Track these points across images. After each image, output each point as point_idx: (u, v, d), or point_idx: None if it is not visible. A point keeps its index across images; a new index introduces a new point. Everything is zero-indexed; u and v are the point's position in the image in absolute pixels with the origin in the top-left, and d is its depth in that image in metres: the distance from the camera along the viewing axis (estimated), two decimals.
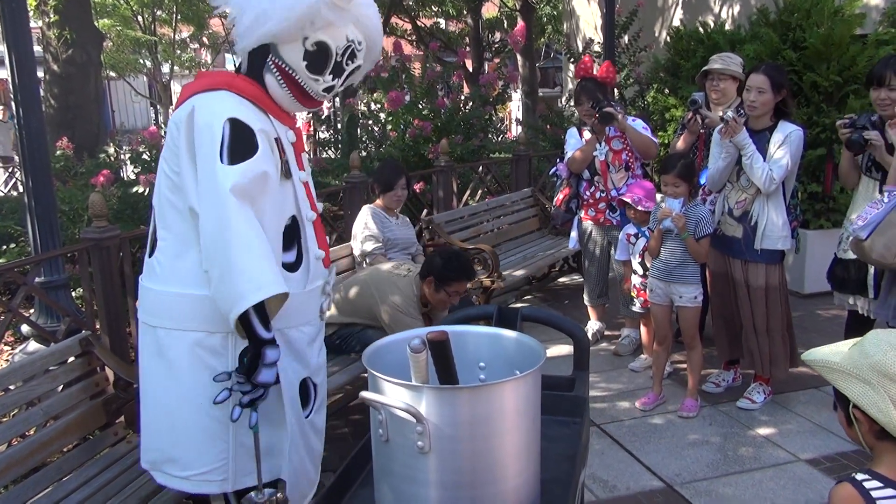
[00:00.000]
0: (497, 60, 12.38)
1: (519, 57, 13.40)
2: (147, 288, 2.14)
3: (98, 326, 3.55)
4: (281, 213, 2.09)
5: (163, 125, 12.36)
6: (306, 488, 2.27)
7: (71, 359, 2.79)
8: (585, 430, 1.82)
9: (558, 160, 4.87)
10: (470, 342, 1.69)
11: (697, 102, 4.19)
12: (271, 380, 1.93)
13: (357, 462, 1.63)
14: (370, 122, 7.85)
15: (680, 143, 4.36)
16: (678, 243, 3.68)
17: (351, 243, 4.24)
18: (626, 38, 8.22)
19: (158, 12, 15.59)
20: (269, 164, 2.00)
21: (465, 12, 15.11)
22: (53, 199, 3.91)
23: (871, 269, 3.35)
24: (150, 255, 2.15)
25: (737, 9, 8.07)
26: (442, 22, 17.09)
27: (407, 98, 7.24)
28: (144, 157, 5.85)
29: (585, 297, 4.86)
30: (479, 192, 6.70)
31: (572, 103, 5.64)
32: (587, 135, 4.56)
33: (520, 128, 10.04)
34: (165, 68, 16.60)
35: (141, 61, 16.44)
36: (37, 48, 4.51)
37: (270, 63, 2.07)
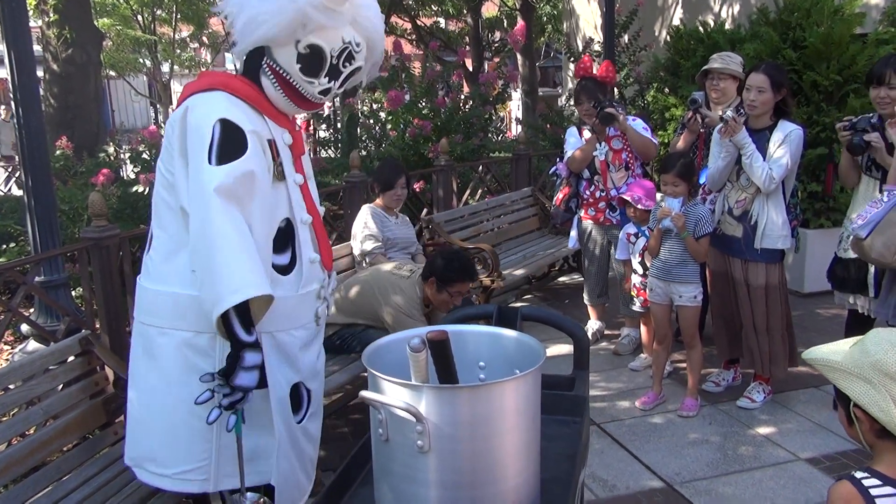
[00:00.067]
0: (497, 60, 12.40)
1: (519, 56, 13.39)
2: (142, 286, 2.15)
3: (98, 326, 3.55)
4: (272, 215, 2.08)
5: (162, 124, 12.37)
6: (296, 496, 2.25)
7: (71, 358, 2.78)
8: (585, 429, 1.82)
9: (558, 159, 4.87)
10: (470, 341, 1.69)
11: (697, 102, 4.19)
12: (250, 384, 1.91)
13: (357, 461, 1.63)
14: (370, 121, 7.85)
15: (680, 143, 4.36)
16: (678, 243, 3.68)
17: (351, 243, 4.24)
18: (625, 37, 8.22)
19: (158, 11, 15.59)
20: (258, 164, 1.98)
21: (464, 11, 15.09)
22: (53, 199, 3.91)
23: (872, 268, 3.35)
24: (147, 254, 2.16)
25: (737, 8, 8.07)
26: (442, 21, 17.07)
27: (407, 97, 7.24)
28: (144, 156, 5.85)
29: (585, 297, 4.86)
30: (479, 191, 6.70)
31: (572, 103, 5.63)
32: (587, 134, 4.56)
33: (520, 127, 10.03)
34: (165, 67, 16.60)
35: (141, 60, 16.44)
36: (36, 47, 4.51)
37: (265, 66, 2.07)
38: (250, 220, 1.95)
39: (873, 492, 1.45)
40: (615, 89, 7.13)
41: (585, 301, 4.88)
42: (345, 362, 3.55)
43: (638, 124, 4.47)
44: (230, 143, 1.94)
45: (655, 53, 7.31)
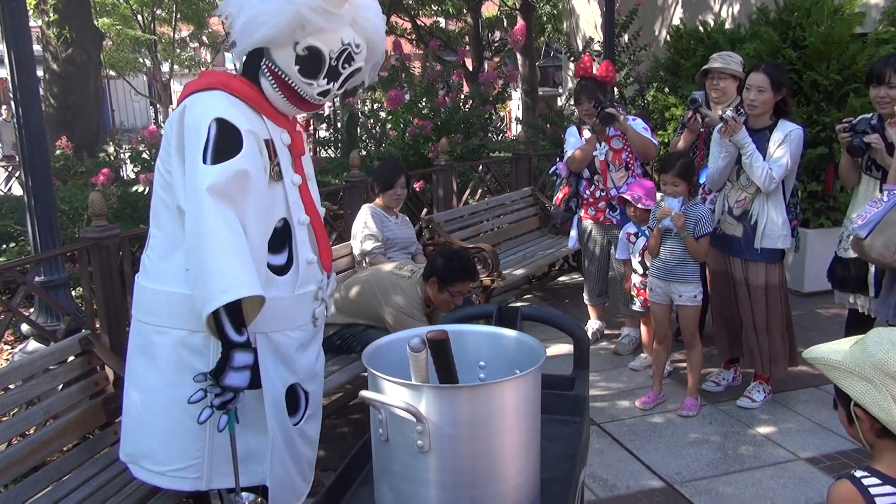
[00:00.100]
0: (497, 59, 12.39)
1: (519, 56, 13.39)
2: (139, 285, 2.16)
3: (98, 325, 3.55)
4: (268, 215, 2.07)
5: (162, 124, 12.37)
6: (291, 499, 2.24)
7: (71, 358, 2.78)
8: (585, 429, 1.82)
9: (558, 159, 4.86)
10: (470, 341, 1.69)
11: (697, 101, 4.19)
12: (239, 384, 1.91)
13: (357, 461, 1.63)
14: (370, 121, 7.85)
15: (681, 144, 4.36)
16: (678, 242, 3.68)
17: (350, 242, 4.24)
18: (625, 36, 8.22)
19: (158, 11, 15.60)
20: (253, 164, 1.98)
21: (464, 11, 15.09)
22: (53, 199, 3.91)
23: (872, 268, 3.35)
24: (144, 252, 2.17)
25: (737, 7, 8.07)
26: (442, 21, 17.07)
27: (407, 97, 7.24)
28: (144, 156, 5.86)
29: (585, 296, 4.86)
30: (479, 191, 6.70)
31: (572, 102, 5.63)
32: (587, 134, 4.56)
33: (520, 127, 10.03)
34: (165, 67, 16.62)
35: (140, 60, 16.46)
36: (36, 47, 4.51)
37: (264, 67, 2.06)
38: (244, 220, 1.95)
39: (873, 491, 1.45)
40: (615, 89, 7.13)
41: (585, 301, 4.88)
42: (345, 362, 3.55)
43: (638, 124, 4.47)
44: (225, 142, 1.94)
45: (655, 53, 7.31)
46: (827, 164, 4.13)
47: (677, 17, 8.94)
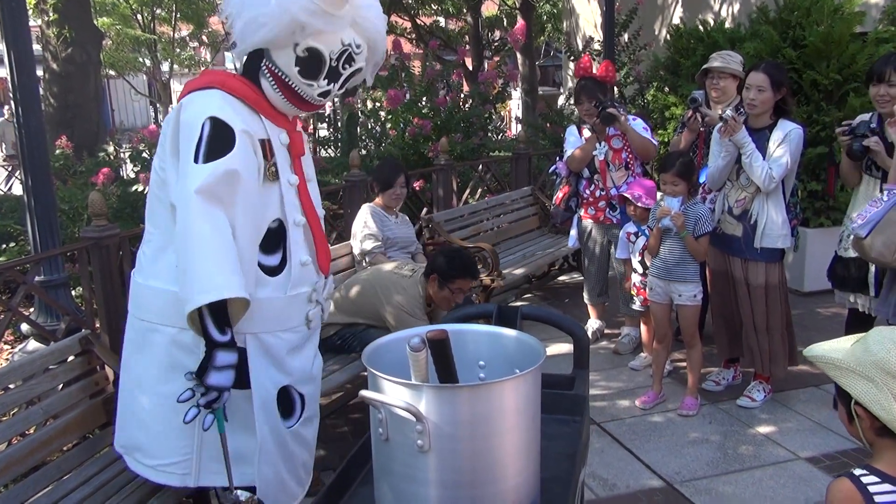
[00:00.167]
0: (497, 58, 12.38)
1: (519, 55, 13.38)
2: (134, 281, 2.17)
3: (98, 325, 3.55)
4: (261, 215, 2.07)
5: (162, 124, 12.34)
6: (284, 500, 2.24)
7: (71, 357, 2.78)
8: (585, 428, 1.82)
9: (557, 158, 4.86)
10: (470, 341, 1.69)
11: (697, 100, 4.19)
12: (223, 383, 1.91)
13: (357, 461, 1.63)
14: (370, 120, 7.84)
15: (682, 144, 4.35)
16: (677, 242, 3.68)
17: (350, 242, 4.24)
18: (625, 36, 8.22)
19: (158, 10, 15.60)
20: (244, 164, 1.97)
21: (464, 10, 15.09)
22: (53, 198, 3.91)
23: (872, 267, 3.35)
24: (140, 249, 2.18)
25: (736, 7, 8.07)
26: (441, 20, 17.07)
27: (407, 96, 7.23)
28: (144, 155, 5.86)
29: (585, 296, 4.86)
30: (479, 190, 6.70)
31: (572, 102, 5.63)
32: (587, 133, 4.56)
33: (520, 126, 10.03)
34: (165, 67, 16.61)
35: (140, 60, 16.45)
36: (36, 47, 4.51)
37: (264, 68, 2.06)
38: (233, 220, 1.95)
39: (872, 489, 1.45)
40: (615, 88, 7.13)
41: (585, 300, 4.88)
42: (345, 362, 3.55)
43: (638, 124, 4.47)
44: (218, 140, 1.93)
45: (655, 52, 7.31)
46: (828, 166, 4.13)
47: (677, 16, 8.94)
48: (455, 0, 15.39)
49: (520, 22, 12.34)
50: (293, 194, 2.16)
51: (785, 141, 3.52)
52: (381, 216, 4.18)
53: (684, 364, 4.01)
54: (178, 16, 15.44)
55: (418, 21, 15.06)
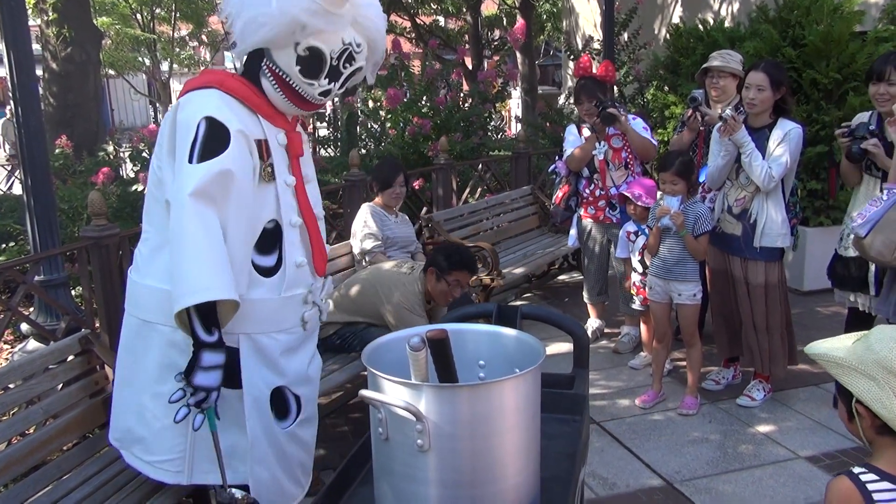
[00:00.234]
0: (496, 58, 12.38)
1: (518, 54, 13.38)
2: (131, 279, 2.18)
3: (97, 325, 3.55)
4: (256, 215, 2.07)
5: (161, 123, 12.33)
6: (279, 501, 2.25)
7: (70, 357, 2.78)
8: (585, 427, 1.82)
9: (557, 158, 4.86)
10: (469, 340, 1.69)
11: (697, 100, 4.19)
12: (209, 384, 1.92)
13: (357, 460, 1.63)
14: (370, 119, 7.84)
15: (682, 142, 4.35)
16: (677, 241, 3.68)
17: (350, 241, 4.24)
18: (625, 35, 8.21)
19: (157, 10, 15.59)
20: (238, 164, 1.97)
21: (464, 10, 15.09)
22: (53, 198, 3.91)
23: (873, 266, 3.35)
24: (137, 247, 2.19)
25: (736, 6, 8.07)
26: (441, 19, 17.07)
27: (406, 96, 7.23)
28: (144, 155, 5.86)
29: (585, 295, 4.86)
30: (479, 189, 6.69)
31: (572, 101, 5.63)
32: (586, 132, 4.56)
33: (519, 125, 10.03)
34: (164, 66, 16.61)
35: (140, 59, 16.44)
36: (35, 46, 4.51)
37: (265, 67, 2.06)
38: (226, 220, 1.95)
39: (871, 487, 1.45)
40: (615, 88, 7.13)
41: (585, 299, 4.88)
42: (345, 361, 3.55)
43: (638, 123, 4.46)
44: (213, 140, 1.94)
45: (655, 51, 7.31)
46: (829, 168, 4.13)
47: (677, 15, 8.94)
48: None
49: (519, 21, 12.34)
50: (290, 195, 2.16)
51: (784, 140, 3.52)
52: (381, 216, 4.18)
53: (684, 363, 4.01)
54: (178, 15, 15.43)
55: (418, 20, 15.06)
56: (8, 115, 12.96)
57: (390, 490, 1.44)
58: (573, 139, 4.61)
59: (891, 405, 1.42)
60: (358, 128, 8.14)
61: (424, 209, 6.02)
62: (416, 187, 6.07)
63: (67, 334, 3.15)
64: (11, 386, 2.58)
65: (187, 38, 16.93)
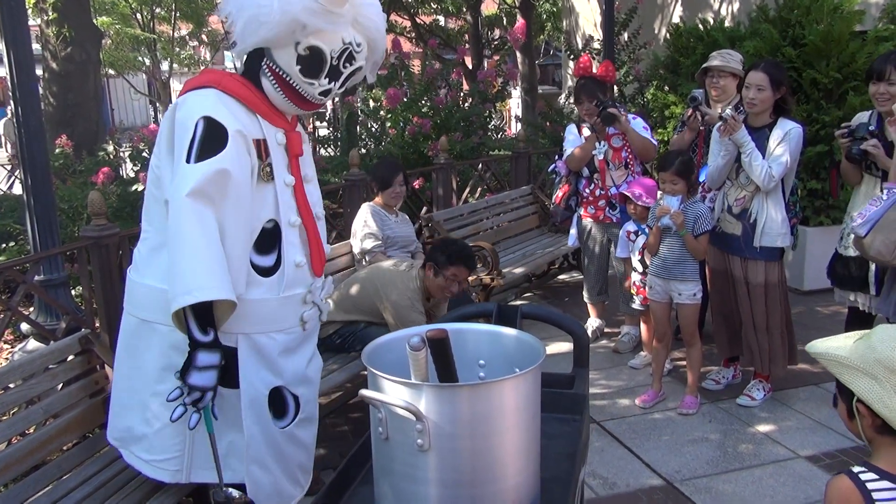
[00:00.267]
0: (496, 57, 12.38)
1: (518, 54, 13.38)
2: (130, 278, 2.19)
3: (98, 324, 3.55)
4: (254, 215, 2.07)
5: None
6: (277, 501, 2.25)
7: (70, 357, 2.78)
8: (585, 427, 1.82)
9: (557, 157, 4.86)
10: (469, 340, 1.69)
11: (697, 99, 4.19)
12: (205, 383, 1.93)
13: (357, 460, 1.63)
14: (370, 119, 7.84)
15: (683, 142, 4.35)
16: (677, 240, 3.68)
17: (350, 241, 4.24)
18: (625, 35, 8.21)
19: (157, 10, 15.59)
20: (235, 164, 1.97)
21: (464, 9, 15.08)
22: (52, 198, 3.91)
23: (873, 266, 3.35)
24: (137, 247, 2.20)
25: (736, 5, 8.06)
26: (441, 19, 17.07)
27: (406, 95, 7.23)
28: (144, 154, 5.86)
29: (585, 295, 4.86)
30: (479, 189, 6.69)
31: (572, 101, 5.63)
32: (586, 132, 4.55)
33: (519, 125, 10.03)
34: (164, 66, 16.61)
35: (140, 59, 16.44)
36: (35, 46, 4.51)
37: (265, 67, 2.06)
38: (224, 220, 1.95)
39: (870, 486, 1.45)
40: (615, 87, 7.13)
41: (585, 299, 4.88)
42: (344, 361, 3.55)
43: (638, 123, 4.46)
44: (211, 140, 1.94)
45: (655, 51, 7.31)
46: (829, 167, 4.13)
47: (677, 15, 8.94)
48: None
49: (519, 21, 12.33)
50: (289, 195, 2.16)
51: (784, 140, 3.52)
52: (381, 215, 4.18)
53: (684, 363, 4.01)
54: (178, 15, 15.43)
55: (418, 20, 15.06)
56: (10, 115, 12.97)
57: (390, 490, 1.44)
58: (573, 139, 4.61)
59: (892, 404, 1.42)
60: (358, 127, 8.13)
61: (424, 209, 6.02)
62: (416, 187, 6.07)
63: (67, 334, 3.16)
64: (11, 386, 2.58)
65: (187, 37, 16.93)
